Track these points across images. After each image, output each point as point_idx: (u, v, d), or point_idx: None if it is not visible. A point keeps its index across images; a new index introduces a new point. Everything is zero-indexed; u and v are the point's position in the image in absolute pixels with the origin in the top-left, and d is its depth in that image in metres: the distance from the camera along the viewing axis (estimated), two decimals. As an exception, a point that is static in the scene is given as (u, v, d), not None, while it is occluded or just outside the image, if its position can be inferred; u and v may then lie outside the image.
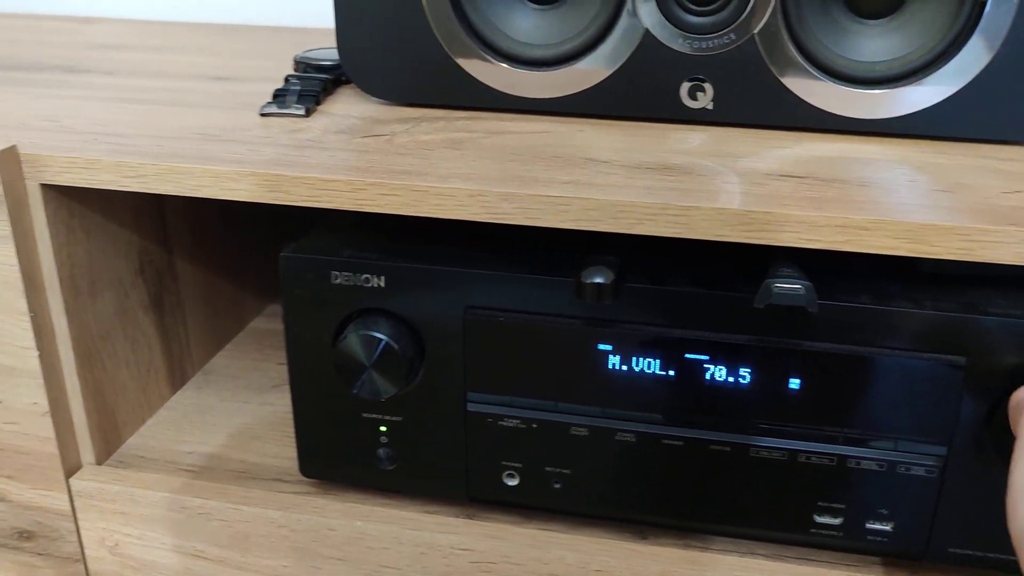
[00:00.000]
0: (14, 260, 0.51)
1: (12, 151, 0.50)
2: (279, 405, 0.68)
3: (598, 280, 0.47)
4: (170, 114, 0.58)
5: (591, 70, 0.56)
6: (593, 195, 0.45)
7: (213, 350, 0.74)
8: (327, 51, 0.66)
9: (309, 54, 0.66)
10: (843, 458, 0.50)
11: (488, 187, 0.46)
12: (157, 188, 0.49)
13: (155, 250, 0.63)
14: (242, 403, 0.68)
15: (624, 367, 0.50)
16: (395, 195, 0.46)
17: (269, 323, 0.80)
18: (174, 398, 0.68)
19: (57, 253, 0.53)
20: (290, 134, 0.54)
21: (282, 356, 0.74)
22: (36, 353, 0.54)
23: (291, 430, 0.64)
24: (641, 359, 0.50)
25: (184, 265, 0.67)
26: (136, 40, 0.83)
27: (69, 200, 0.54)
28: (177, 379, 0.68)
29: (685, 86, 0.55)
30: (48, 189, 0.52)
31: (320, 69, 0.64)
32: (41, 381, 0.55)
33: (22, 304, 0.53)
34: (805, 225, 0.43)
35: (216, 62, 0.74)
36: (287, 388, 0.69)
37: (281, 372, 0.72)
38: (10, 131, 0.54)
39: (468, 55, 0.57)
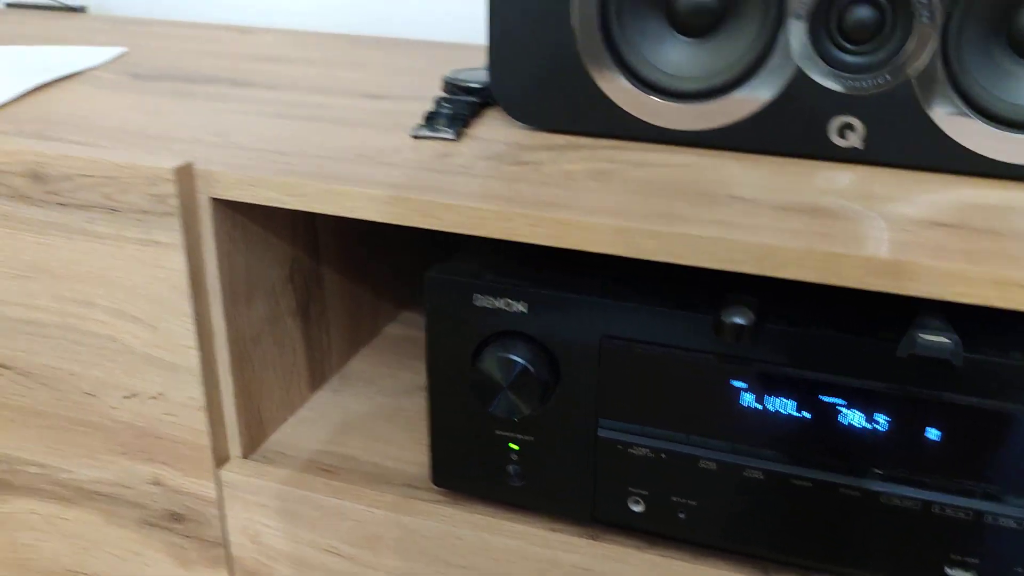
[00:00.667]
0: (184, 267, 0.55)
1: (188, 168, 0.54)
2: (411, 410, 0.70)
3: (739, 321, 0.47)
4: (328, 132, 0.61)
5: (739, 104, 0.56)
6: (739, 236, 0.45)
7: (350, 354, 0.77)
8: (475, 72, 0.68)
9: (458, 75, 0.68)
10: (979, 513, 0.48)
11: (632, 223, 0.47)
12: (317, 207, 0.52)
13: (305, 260, 0.67)
14: (376, 407, 0.71)
15: (757, 405, 0.50)
16: (541, 227, 0.48)
17: (403, 330, 0.83)
18: (313, 399, 0.71)
19: (220, 261, 0.57)
20: (441, 159, 0.56)
21: (415, 362, 0.77)
22: (197, 352, 0.58)
23: (422, 435, 0.67)
24: (775, 399, 0.50)
25: (330, 274, 0.71)
26: (293, 52, 0.88)
27: (234, 212, 0.57)
28: (317, 381, 0.72)
29: (835, 124, 0.55)
30: (217, 202, 0.55)
31: (468, 91, 0.66)
32: (199, 378, 0.59)
33: (187, 307, 0.57)
34: (957, 279, 0.42)
35: (369, 78, 0.77)
36: (419, 393, 0.72)
37: (413, 378, 0.74)
38: (185, 145, 0.58)
39: (616, 85, 0.58)
